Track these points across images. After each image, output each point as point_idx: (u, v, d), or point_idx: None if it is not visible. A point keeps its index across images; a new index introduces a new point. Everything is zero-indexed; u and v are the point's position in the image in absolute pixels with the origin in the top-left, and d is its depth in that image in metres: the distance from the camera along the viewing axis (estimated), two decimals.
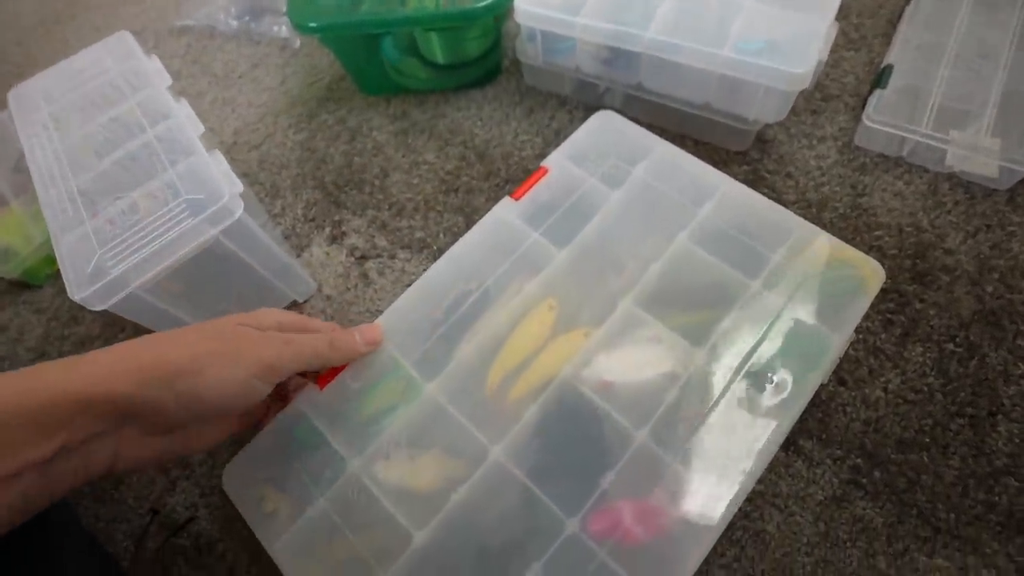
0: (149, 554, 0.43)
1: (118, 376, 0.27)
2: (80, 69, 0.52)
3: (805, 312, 0.38)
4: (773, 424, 0.35)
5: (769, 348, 0.38)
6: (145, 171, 0.44)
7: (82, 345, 0.54)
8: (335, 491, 0.37)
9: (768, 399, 0.36)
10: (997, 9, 0.54)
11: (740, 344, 0.38)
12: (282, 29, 0.73)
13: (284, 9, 0.63)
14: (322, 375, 0.39)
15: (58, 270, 0.42)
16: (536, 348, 0.41)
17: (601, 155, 0.46)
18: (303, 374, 0.39)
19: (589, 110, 0.59)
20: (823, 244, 0.41)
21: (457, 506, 0.36)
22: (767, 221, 0.42)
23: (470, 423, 0.38)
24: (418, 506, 0.37)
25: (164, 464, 0.46)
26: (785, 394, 0.36)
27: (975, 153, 0.48)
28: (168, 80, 0.51)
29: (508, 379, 0.40)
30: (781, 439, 0.35)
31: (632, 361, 0.38)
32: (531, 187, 0.43)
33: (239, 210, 0.41)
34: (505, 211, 0.43)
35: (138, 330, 0.52)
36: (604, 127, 0.47)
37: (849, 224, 0.49)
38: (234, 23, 0.75)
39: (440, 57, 0.61)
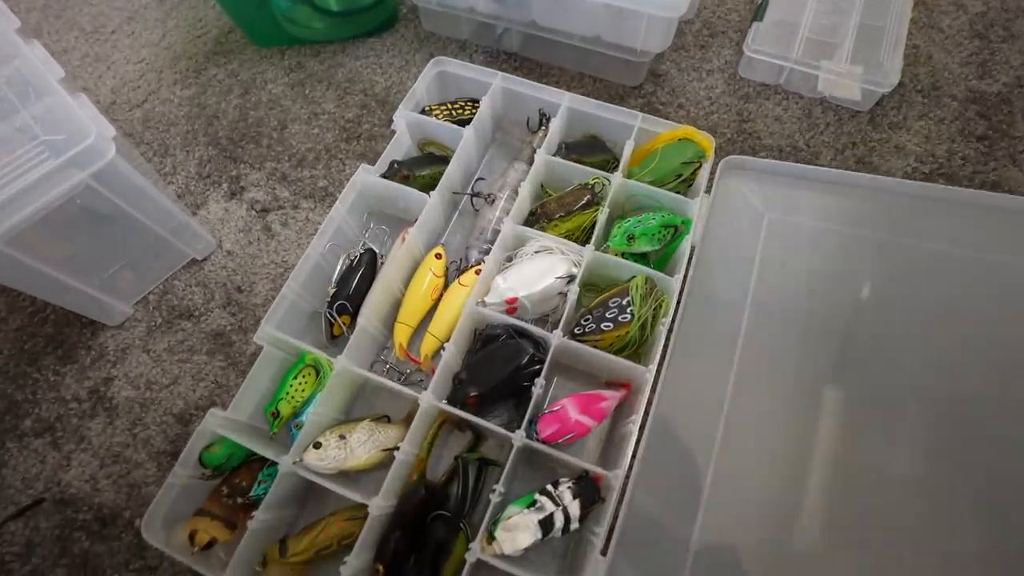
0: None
1: None
2: None
3: (665, 187, 0.43)
4: (669, 281, 0.39)
5: (645, 226, 0.41)
6: None
7: None
8: (277, 494, 0.35)
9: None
10: None
11: (598, 232, 0.42)
12: None
13: None
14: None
15: None
16: (434, 300, 0.42)
17: (445, 99, 0.48)
18: None
19: (488, 53, 0.59)
20: (663, 128, 0.45)
21: (403, 465, 0.36)
22: (611, 121, 0.46)
23: (391, 381, 0.38)
24: (363, 480, 0.38)
25: None
26: (671, 265, 0.41)
27: (841, 78, 0.52)
28: (15, 22, 0.46)
29: (416, 336, 0.42)
30: (680, 289, 0.39)
31: (529, 274, 0.40)
32: (384, 147, 0.44)
33: (110, 152, 0.38)
34: (366, 175, 0.44)
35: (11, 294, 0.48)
36: (441, 73, 0.48)
37: (736, 147, 0.53)
38: None
39: (333, 4, 0.58)
